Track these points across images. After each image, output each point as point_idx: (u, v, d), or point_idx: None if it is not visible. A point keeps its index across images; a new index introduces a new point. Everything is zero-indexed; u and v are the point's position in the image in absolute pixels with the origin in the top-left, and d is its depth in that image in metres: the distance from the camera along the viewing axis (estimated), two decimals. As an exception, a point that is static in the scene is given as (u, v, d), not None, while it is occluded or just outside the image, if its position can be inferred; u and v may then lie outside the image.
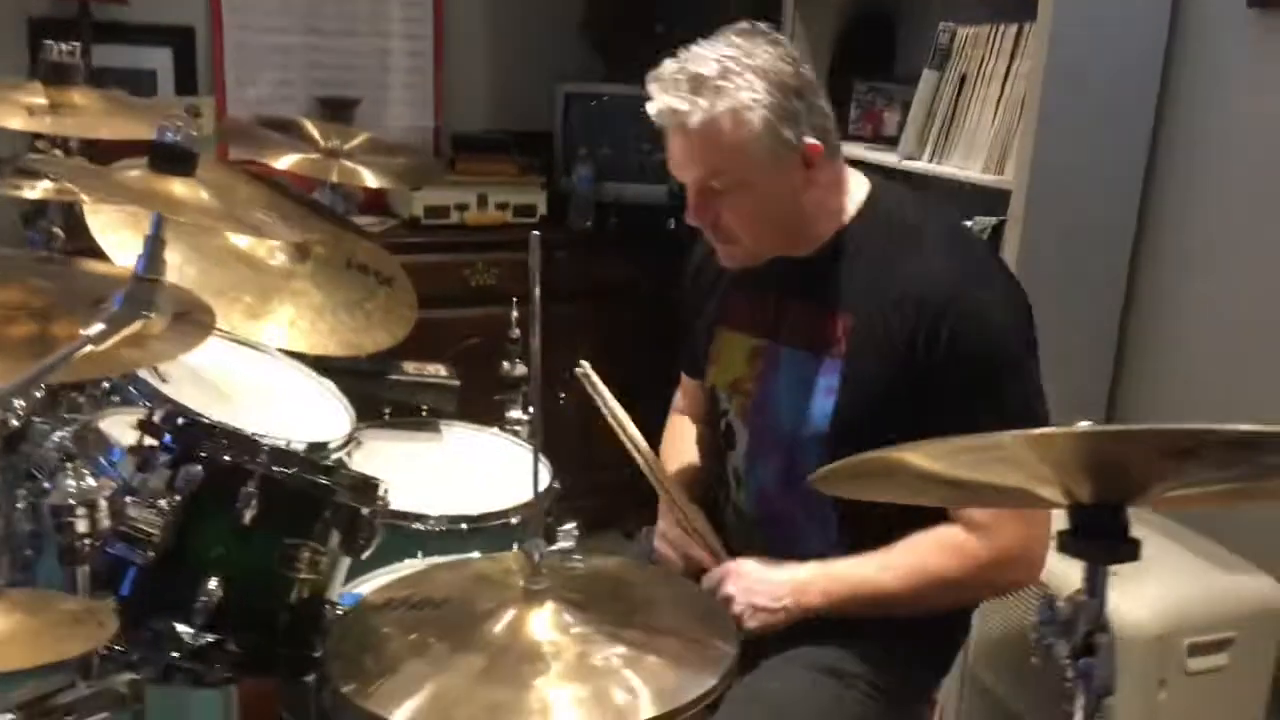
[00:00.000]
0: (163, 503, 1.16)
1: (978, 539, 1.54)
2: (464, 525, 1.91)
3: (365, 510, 1.27)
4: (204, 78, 3.44)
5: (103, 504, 1.08)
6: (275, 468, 1.20)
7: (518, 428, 2.43)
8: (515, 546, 1.84)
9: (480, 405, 2.43)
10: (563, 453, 3.44)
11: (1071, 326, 2.48)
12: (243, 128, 2.45)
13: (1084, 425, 0.82)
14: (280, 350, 2.03)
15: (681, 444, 1.97)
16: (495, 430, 2.32)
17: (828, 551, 1.64)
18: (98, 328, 1.03)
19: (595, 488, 2.94)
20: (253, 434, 1.23)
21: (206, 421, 1.21)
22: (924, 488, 0.95)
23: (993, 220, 2.53)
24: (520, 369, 2.50)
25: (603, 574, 1.25)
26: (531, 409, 2.26)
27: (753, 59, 1.52)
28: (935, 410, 1.53)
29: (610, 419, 1.76)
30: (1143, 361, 2.58)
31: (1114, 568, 2.04)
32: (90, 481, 1.08)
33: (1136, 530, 2.13)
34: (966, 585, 1.59)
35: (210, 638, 1.18)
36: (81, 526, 1.07)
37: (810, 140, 1.55)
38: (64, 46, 1.36)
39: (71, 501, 1.05)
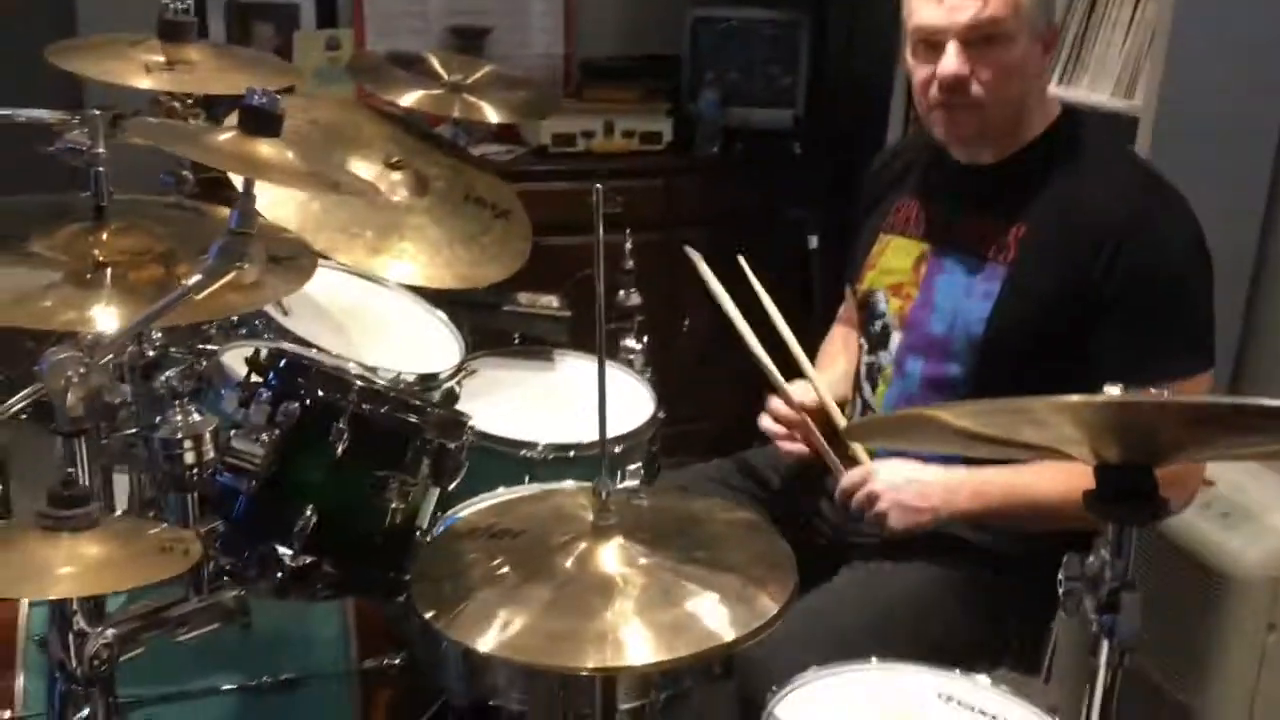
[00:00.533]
0: (265, 436, 1.25)
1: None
2: (570, 453, 1.99)
3: (452, 445, 1.35)
4: (344, 9, 3.55)
5: (208, 438, 1.18)
6: (365, 405, 1.29)
7: (631, 356, 2.50)
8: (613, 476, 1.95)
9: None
10: (680, 378, 3.50)
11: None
12: (371, 64, 2.53)
13: (1111, 391, 0.82)
14: (398, 284, 2.13)
15: (839, 349, 2.03)
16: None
17: (950, 460, 1.64)
18: (195, 279, 1.12)
19: (709, 413, 2.94)
20: (346, 372, 1.32)
21: (304, 362, 1.30)
22: (959, 441, 0.97)
23: (1120, 148, 2.45)
24: (634, 298, 2.56)
25: (671, 511, 1.31)
26: (630, 343, 2.32)
27: None
28: (1105, 329, 1.57)
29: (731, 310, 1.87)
30: (1275, 317, 2.47)
31: (1230, 509, 2.01)
32: (196, 417, 1.19)
33: (1258, 470, 2.09)
34: None
35: (308, 560, 1.28)
36: (189, 458, 1.18)
37: (1054, 23, 1.63)
38: (179, 4, 1.44)
39: (179, 435, 1.16)
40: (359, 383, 1.30)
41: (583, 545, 1.22)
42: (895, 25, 3.32)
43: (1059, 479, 1.55)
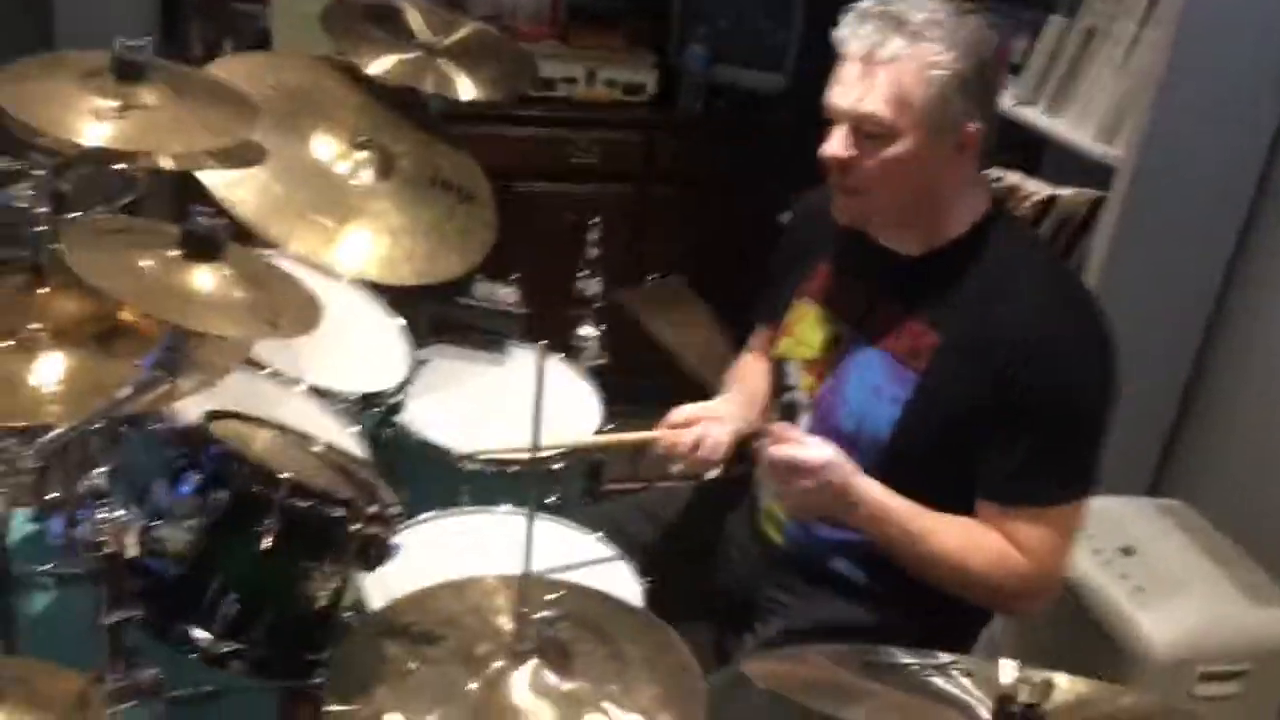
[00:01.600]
0: (191, 523, 1.26)
1: (1024, 558, 1.58)
2: (509, 469, 2.00)
3: (383, 535, 1.36)
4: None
5: (130, 538, 1.18)
6: (294, 500, 1.29)
7: (585, 344, 2.49)
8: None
9: (554, 305, 2.48)
10: (636, 331, 3.46)
11: (1145, 332, 2.39)
12: (344, 20, 2.44)
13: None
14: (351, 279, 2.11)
15: (747, 376, 2.02)
16: (560, 356, 2.37)
17: (857, 542, 1.71)
18: (125, 391, 1.11)
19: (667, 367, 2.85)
20: (277, 466, 1.31)
21: (235, 450, 1.30)
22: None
23: (1092, 194, 2.43)
24: (594, 286, 2.55)
25: (589, 629, 1.33)
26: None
27: (960, 23, 1.53)
28: (997, 449, 1.58)
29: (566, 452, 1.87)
30: (1213, 399, 2.47)
31: (1146, 583, 2.05)
32: (120, 512, 1.18)
33: (1184, 543, 2.13)
34: (993, 586, 1.61)
35: (227, 647, 1.30)
36: (110, 554, 1.18)
37: (974, 125, 1.56)
38: (136, 43, 1.38)
39: (103, 536, 1.16)
40: (288, 476, 1.30)
41: (498, 665, 1.25)
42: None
43: (945, 537, 1.59)
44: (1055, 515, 1.58)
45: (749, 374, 2.01)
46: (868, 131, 1.55)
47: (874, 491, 1.61)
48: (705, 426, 1.81)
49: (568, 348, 2.47)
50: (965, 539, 1.60)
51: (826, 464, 1.58)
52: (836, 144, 1.58)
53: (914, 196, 1.61)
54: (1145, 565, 2.13)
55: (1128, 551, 2.16)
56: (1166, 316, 2.42)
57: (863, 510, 1.60)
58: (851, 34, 1.55)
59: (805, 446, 1.60)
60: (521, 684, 1.23)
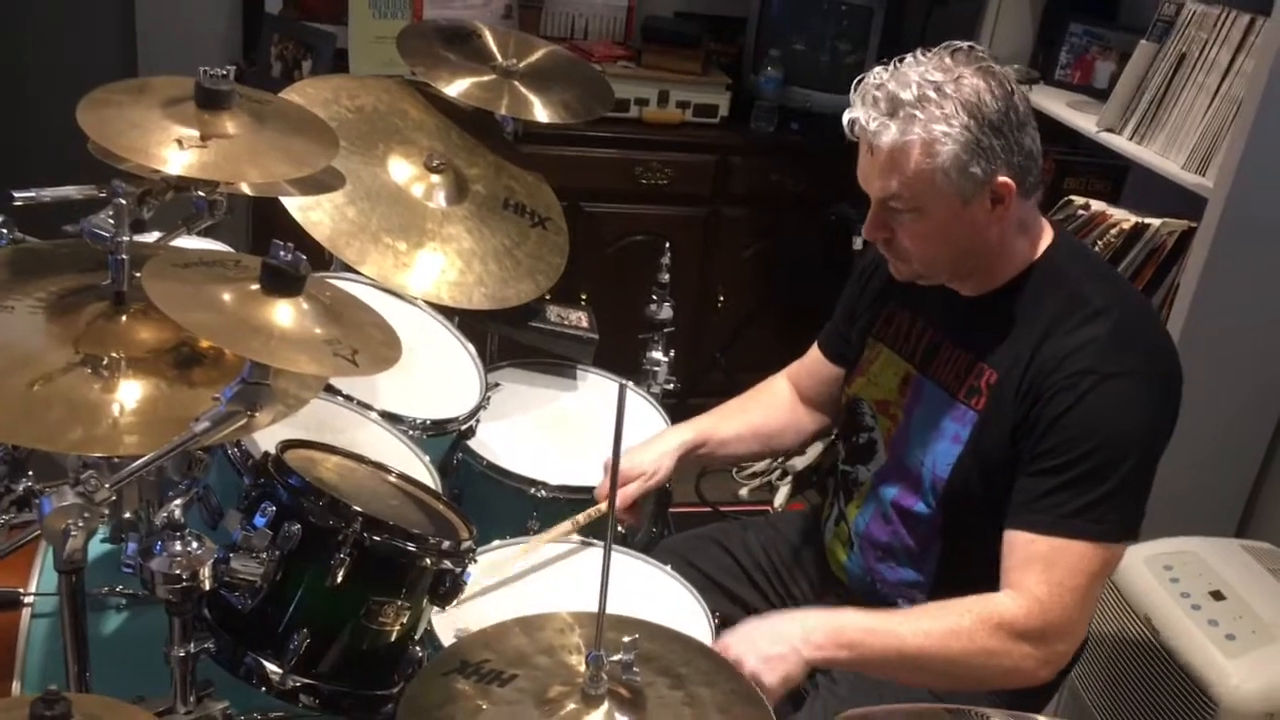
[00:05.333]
0: (265, 555, 1.25)
1: (1035, 649, 1.52)
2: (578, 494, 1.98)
3: (455, 568, 1.34)
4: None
5: (205, 571, 1.17)
6: (367, 534, 1.28)
7: (655, 369, 2.47)
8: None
9: (624, 327, 2.46)
10: (711, 353, 3.42)
11: (1233, 368, 2.32)
12: (420, 43, 2.44)
13: None
14: (425, 302, 2.10)
15: (761, 399, 2.07)
16: (630, 384, 2.34)
17: (916, 589, 1.71)
18: (202, 426, 1.10)
19: (739, 388, 2.88)
20: (349, 503, 1.30)
21: (310, 484, 1.29)
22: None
23: (1182, 224, 2.36)
24: (666, 312, 2.52)
25: (661, 669, 1.29)
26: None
27: (957, 88, 1.49)
28: (1025, 477, 1.55)
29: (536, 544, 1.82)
30: None
31: (1237, 631, 1.97)
32: (195, 546, 1.18)
33: (1275, 588, 2.04)
34: (990, 649, 1.52)
35: (297, 680, 1.29)
36: (185, 589, 1.17)
37: (1002, 178, 1.52)
38: (219, 71, 1.38)
39: (177, 571, 1.15)
40: (361, 510, 1.28)
41: (570, 708, 1.22)
42: (975, 22, 3.18)
43: (935, 633, 1.52)
44: (1072, 552, 1.50)
45: (763, 404, 2.04)
46: (896, 210, 1.55)
47: (810, 611, 1.59)
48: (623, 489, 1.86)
49: (638, 371, 2.45)
50: (937, 609, 1.56)
51: (726, 635, 1.56)
52: (870, 226, 1.60)
53: (961, 253, 1.59)
54: (1236, 611, 2.05)
55: (1217, 596, 2.08)
56: (1256, 352, 2.34)
57: (815, 631, 1.52)
58: (853, 119, 1.53)
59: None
60: (596, 729, 1.20)
